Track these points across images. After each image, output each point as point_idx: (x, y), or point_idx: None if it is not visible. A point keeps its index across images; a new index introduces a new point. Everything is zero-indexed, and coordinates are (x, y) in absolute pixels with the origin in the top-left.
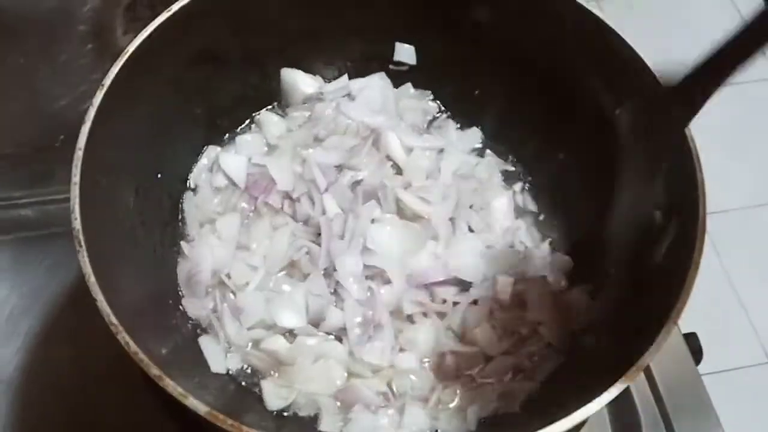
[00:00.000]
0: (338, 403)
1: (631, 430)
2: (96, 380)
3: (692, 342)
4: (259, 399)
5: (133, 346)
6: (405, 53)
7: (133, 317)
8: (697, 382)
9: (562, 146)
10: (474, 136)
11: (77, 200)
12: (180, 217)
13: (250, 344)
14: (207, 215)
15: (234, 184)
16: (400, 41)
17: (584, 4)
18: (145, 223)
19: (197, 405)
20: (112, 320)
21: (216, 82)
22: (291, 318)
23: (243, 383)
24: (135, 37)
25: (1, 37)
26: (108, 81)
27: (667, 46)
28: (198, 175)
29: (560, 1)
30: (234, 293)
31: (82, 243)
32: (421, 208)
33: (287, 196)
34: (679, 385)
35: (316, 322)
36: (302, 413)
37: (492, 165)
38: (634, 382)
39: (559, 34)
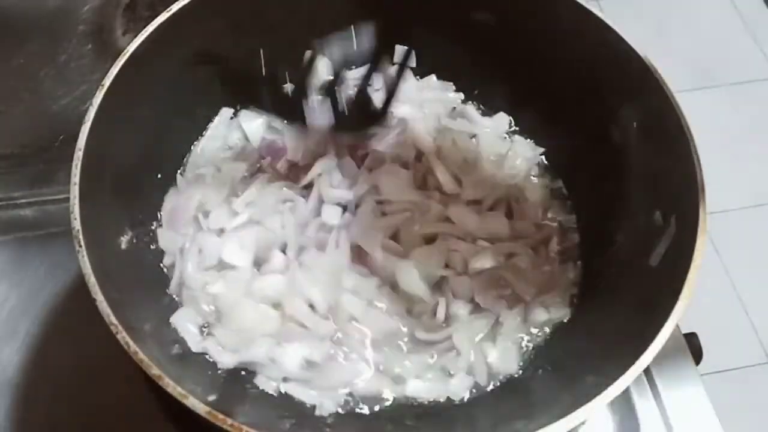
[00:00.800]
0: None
1: (631, 430)
2: (96, 380)
3: (692, 342)
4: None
5: (133, 346)
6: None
7: (133, 317)
8: (697, 382)
9: (566, 147)
10: (502, 121)
11: (77, 200)
12: (185, 159)
13: (200, 289)
14: (213, 161)
15: (247, 140)
16: (400, 43)
17: (584, 4)
18: (145, 223)
19: (197, 405)
20: (112, 320)
21: (216, 82)
22: (236, 254)
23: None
24: (135, 37)
25: (2, 37)
26: (108, 81)
27: (667, 46)
28: (216, 126)
29: (560, 1)
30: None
31: (82, 243)
32: (452, 187)
33: (294, 164)
34: (679, 385)
35: (259, 263)
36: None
37: (524, 153)
38: (634, 382)
39: (559, 34)
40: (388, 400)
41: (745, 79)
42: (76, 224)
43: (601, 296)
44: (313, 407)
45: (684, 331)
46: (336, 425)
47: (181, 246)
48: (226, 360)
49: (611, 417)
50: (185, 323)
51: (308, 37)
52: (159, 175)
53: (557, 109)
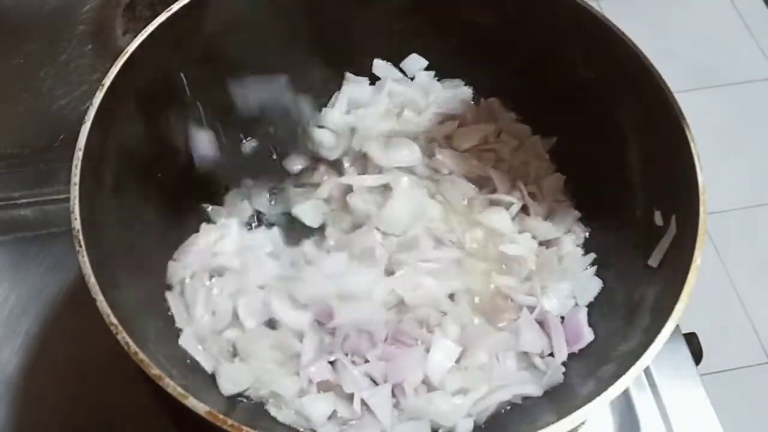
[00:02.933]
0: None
1: (631, 430)
2: (96, 380)
3: (692, 342)
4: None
5: (133, 346)
6: (412, 62)
7: (133, 317)
8: (697, 382)
9: (566, 148)
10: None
11: (77, 200)
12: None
13: (210, 333)
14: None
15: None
16: (402, 44)
17: (584, 4)
18: (145, 223)
19: (197, 405)
20: (112, 320)
21: (216, 82)
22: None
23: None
24: (135, 37)
25: (2, 37)
26: (108, 81)
27: (667, 46)
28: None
29: (560, 1)
30: (211, 278)
31: (82, 243)
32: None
33: None
34: (679, 385)
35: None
36: (255, 397)
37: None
38: (634, 382)
39: (560, 34)
40: None
41: (745, 79)
42: (76, 224)
43: (601, 296)
44: None
45: (684, 331)
46: None
47: (189, 275)
48: (228, 388)
49: (611, 417)
50: (196, 345)
51: (308, 39)
52: (159, 175)
53: (557, 109)
